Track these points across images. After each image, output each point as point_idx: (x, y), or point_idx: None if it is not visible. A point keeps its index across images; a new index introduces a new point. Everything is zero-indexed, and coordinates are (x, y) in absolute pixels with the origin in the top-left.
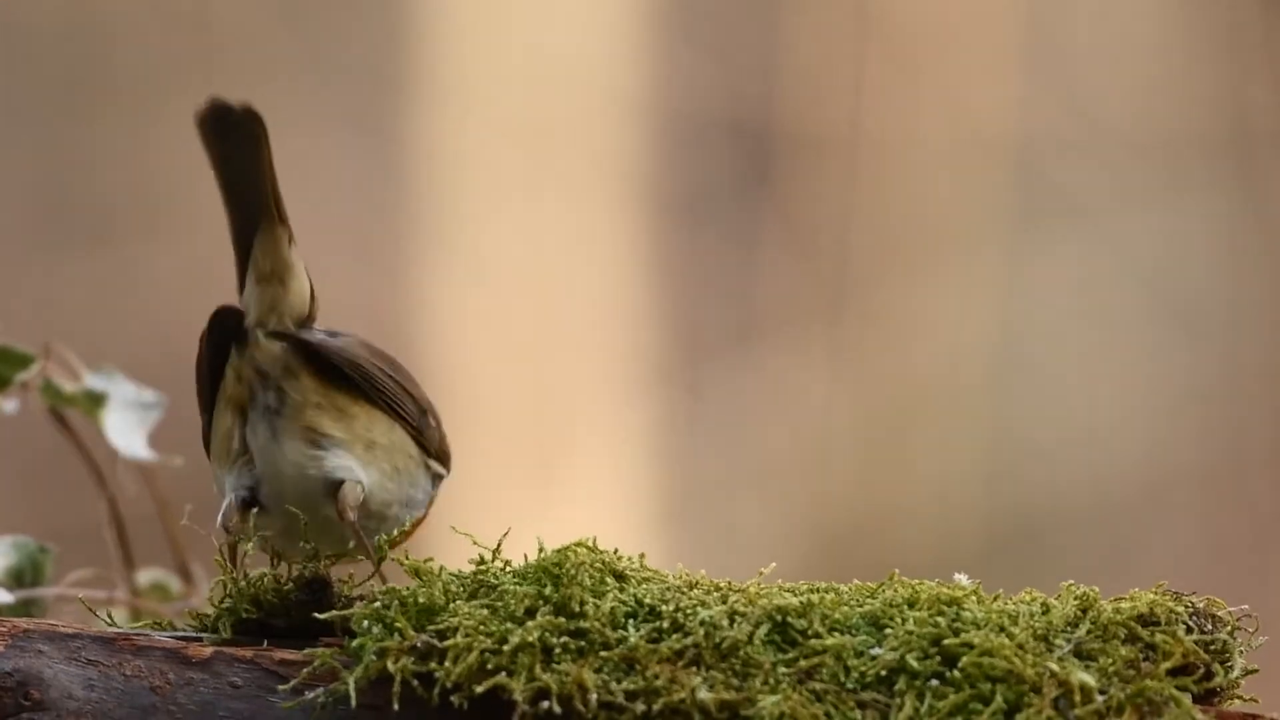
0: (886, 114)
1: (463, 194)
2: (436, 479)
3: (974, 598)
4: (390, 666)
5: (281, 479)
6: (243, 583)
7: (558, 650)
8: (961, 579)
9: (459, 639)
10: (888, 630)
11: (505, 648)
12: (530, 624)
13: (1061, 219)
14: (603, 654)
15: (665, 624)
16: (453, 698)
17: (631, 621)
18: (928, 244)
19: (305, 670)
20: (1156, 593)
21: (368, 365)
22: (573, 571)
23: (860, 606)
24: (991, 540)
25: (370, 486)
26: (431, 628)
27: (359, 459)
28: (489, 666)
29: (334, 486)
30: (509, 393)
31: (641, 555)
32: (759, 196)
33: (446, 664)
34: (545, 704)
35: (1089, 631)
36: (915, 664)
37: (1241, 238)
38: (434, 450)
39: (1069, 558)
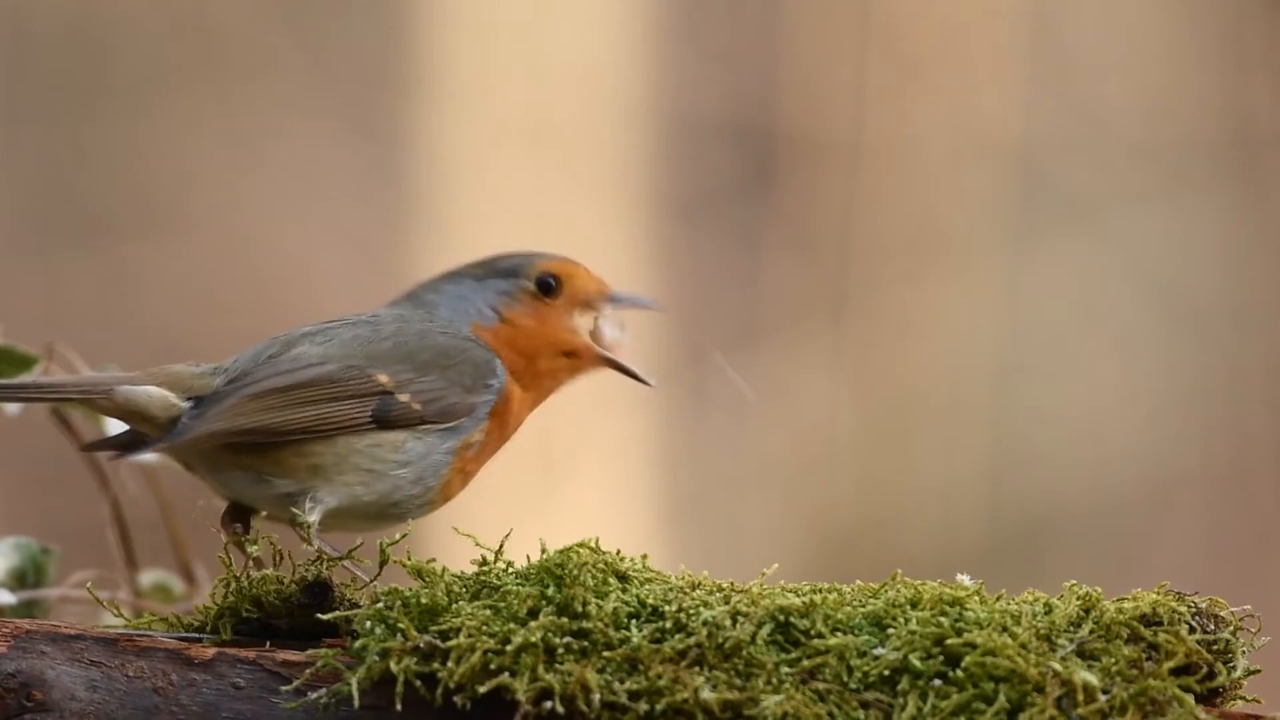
0: (889, 117)
1: (465, 195)
2: (455, 429)
3: (977, 598)
4: (393, 667)
5: (242, 497)
6: (245, 583)
7: (560, 650)
8: (964, 579)
9: (462, 639)
10: (890, 630)
11: (508, 648)
12: (533, 624)
13: (1064, 221)
14: (605, 654)
15: (668, 624)
16: (455, 698)
17: (634, 622)
18: (930, 246)
19: (308, 671)
20: (1159, 593)
21: (257, 422)
22: (575, 572)
23: (863, 607)
24: (994, 541)
25: (343, 501)
26: (434, 628)
27: (312, 484)
28: (492, 667)
29: (290, 499)
30: None
31: (644, 556)
32: (762, 199)
33: (449, 664)
34: (548, 704)
35: (1092, 631)
36: (918, 664)
37: (1244, 239)
38: (417, 419)
39: (1071, 558)
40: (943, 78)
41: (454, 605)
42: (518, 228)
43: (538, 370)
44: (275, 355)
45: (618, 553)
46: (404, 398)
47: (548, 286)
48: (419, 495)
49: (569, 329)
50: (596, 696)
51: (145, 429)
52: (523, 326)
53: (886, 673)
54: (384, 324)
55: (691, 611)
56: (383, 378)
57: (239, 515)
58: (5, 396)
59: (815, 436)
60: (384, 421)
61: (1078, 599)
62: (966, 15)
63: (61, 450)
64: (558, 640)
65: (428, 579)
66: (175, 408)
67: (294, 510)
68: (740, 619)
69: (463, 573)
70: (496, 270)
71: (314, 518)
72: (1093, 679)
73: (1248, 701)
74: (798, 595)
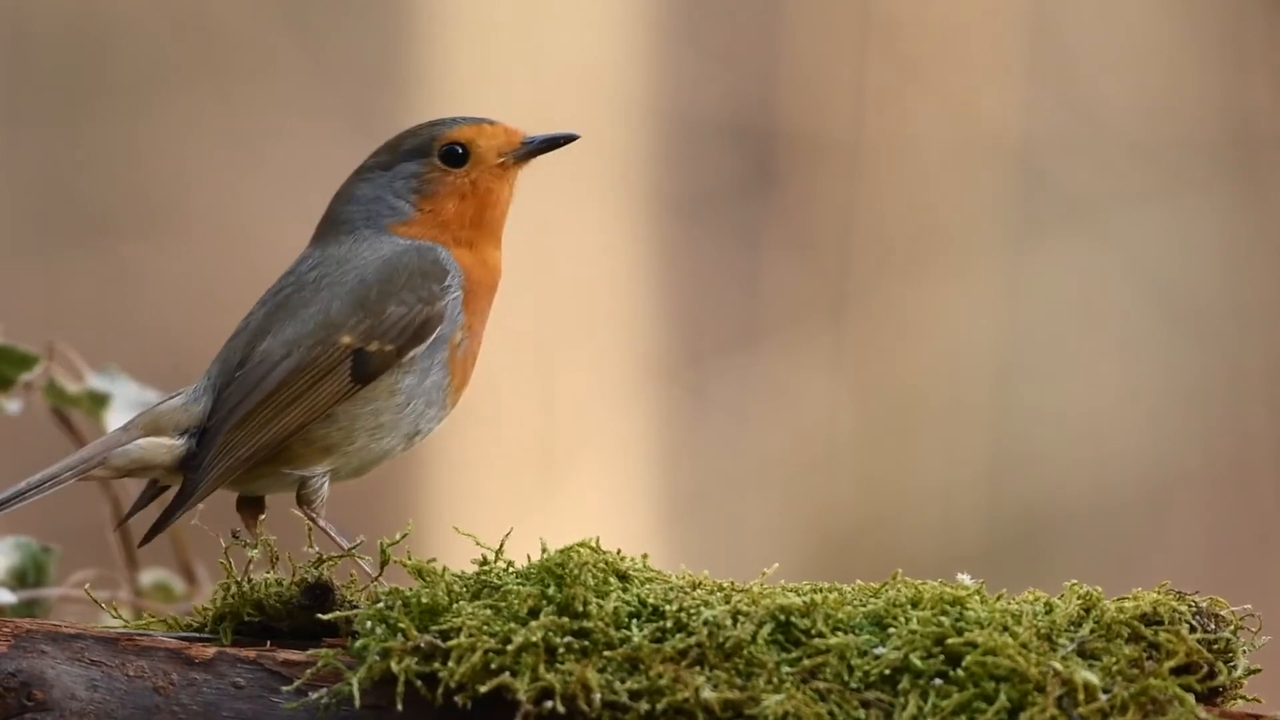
0: (889, 116)
1: None
2: (437, 340)
3: (977, 597)
4: (394, 667)
5: (271, 492)
6: (245, 588)
7: (561, 650)
8: (965, 579)
9: (462, 639)
10: (891, 630)
11: (509, 648)
12: (534, 624)
13: (1064, 220)
14: (606, 654)
15: (669, 624)
16: (456, 698)
17: (635, 621)
18: (930, 245)
19: (309, 671)
20: (1159, 592)
21: (255, 446)
22: (576, 572)
23: (863, 606)
24: (994, 541)
25: (365, 461)
26: (435, 628)
27: (328, 463)
28: (493, 666)
29: (316, 481)
30: (512, 394)
31: (644, 556)
32: (762, 198)
33: (450, 664)
34: (549, 704)
35: (1092, 630)
36: (919, 663)
37: (1244, 239)
38: (394, 360)
39: (1072, 558)
40: (943, 78)
41: (454, 605)
42: (517, 227)
43: (482, 229)
44: (244, 362)
45: (618, 552)
46: (374, 346)
47: (454, 156)
48: (434, 414)
49: (490, 187)
50: (597, 696)
51: (155, 475)
52: (446, 209)
53: (887, 672)
54: (325, 281)
55: (692, 611)
56: (346, 339)
57: (254, 498)
58: (4, 507)
59: (815, 436)
60: (367, 376)
61: (1078, 598)
62: (966, 15)
63: (62, 450)
64: (558, 640)
65: (428, 579)
66: (175, 448)
67: (302, 493)
68: (741, 618)
69: (463, 572)
70: (403, 154)
71: (320, 500)
72: (1093, 678)
73: (1248, 701)
74: (798, 595)
